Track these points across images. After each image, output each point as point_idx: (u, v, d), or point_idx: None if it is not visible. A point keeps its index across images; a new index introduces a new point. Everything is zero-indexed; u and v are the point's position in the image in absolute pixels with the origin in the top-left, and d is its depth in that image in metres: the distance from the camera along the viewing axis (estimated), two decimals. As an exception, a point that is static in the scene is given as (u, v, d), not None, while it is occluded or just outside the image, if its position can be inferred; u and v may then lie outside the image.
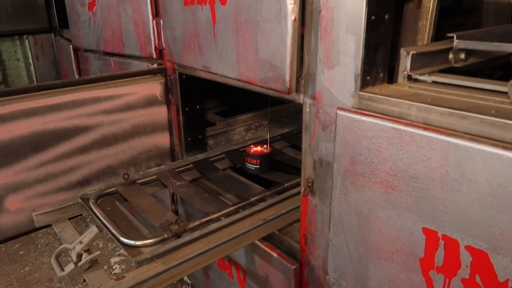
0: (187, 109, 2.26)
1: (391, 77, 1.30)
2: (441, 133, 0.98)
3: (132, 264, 1.36)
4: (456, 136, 0.96)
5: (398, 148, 1.07)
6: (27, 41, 4.55)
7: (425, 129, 1.01)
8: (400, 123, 1.07)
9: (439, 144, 0.98)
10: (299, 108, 1.44)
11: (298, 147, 2.47)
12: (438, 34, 1.51)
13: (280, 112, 2.91)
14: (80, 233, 1.61)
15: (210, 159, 2.20)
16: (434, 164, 1.00)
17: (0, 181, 1.75)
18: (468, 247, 0.98)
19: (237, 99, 2.84)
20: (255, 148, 2.08)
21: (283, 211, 1.67)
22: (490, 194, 0.91)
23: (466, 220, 0.97)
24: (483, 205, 0.93)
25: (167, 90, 2.19)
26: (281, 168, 2.16)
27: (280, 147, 2.48)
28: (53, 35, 4.37)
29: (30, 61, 4.63)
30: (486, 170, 0.91)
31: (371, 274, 1.25)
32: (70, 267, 1.41)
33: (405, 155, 1.06)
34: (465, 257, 0.99)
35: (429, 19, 1.48)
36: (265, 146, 2.12)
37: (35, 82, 4.69)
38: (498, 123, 0.91)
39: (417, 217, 1.07)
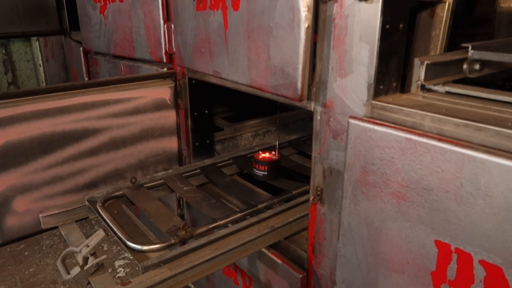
0: (195, 113, 2.26)
1: (403, 86, 1.29)
2: (456, 144, 0.97)
3: (137, 268, 1.35)
4: (472, 148, 0.94)
5: (411, 159, 1.05)
6: (37, 42, 4.58)
7: (440, 140, 1.00)
8: (414, 133, 1.05)
9: (454, 156, 0.97)
10: (307, 114, 1.43)
11: (306, 154, 2.46)
12: (450, 43, 1.50)
13: (288, 118, 2.90)
14: (85, 235, 1.60)
15: (217, 165, 2.19)
16: (448, 176, 0.98)
17: (8, 182, 1.76)
18: (482, 262, 0.96)
19: (245, 104, 2.83)
20: (263, 155, 2.07)
21: (291, 219, 1.65)
22: (506, 208, 0.90)
23: (481, 234, 0.95)
24: (498, 219, 0.91)
25: (176, 94, 2.19)
26: (289, 175, 2.14)
27: (288, 154, 2.47)
28: (63, 37, 4.40)
29: (40, 62, 4.66)
30: (502, 183, 0.89)
31: (381, 286, 1.23)
32: (76, 270, 1.41)
33: (419, 166, 1.04)
34: (479, 272, 0.97)
35: (442, 28, 1.47)
36: (273, 152, 2.11)
37: (44, 84, 4.71)
38: (515, 136, 0.90)
39: (430, 230, 1.05)
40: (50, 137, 1.83)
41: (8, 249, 3.18)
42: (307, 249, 1.56)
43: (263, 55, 1.44)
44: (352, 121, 1.20)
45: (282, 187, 1.97)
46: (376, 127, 1.13)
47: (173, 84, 2.17)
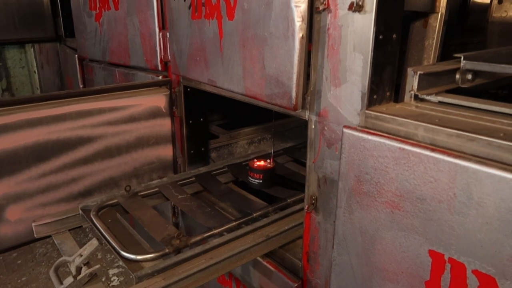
0: (190, 121, 2.26)
1: (396, 95, 1.30)
2: (449, 154, 0.97)
3: (131, 276, 1.34)
4: (464, 158, 0.95)
5: (404, 169, 1.06)
6: (32, 49, 4.57)
7: (433, 150, 1.00)
8: (407, 143, 1.06)
9: (447, 166, 0.97)
10: (302, 122, 1.43)
11: (301, 162, 2.46)
12: (443, 52, 1.52)
13: (283, 126, 2.91)
14: (79, 243, 1.59)
15: (212, 172, 2.19)
16: (442, 186, 0.99)
17: (2, 190, 1.74)
18: (475, 271, 0.96)
19: (240, 112, 2.84)
20: (258, 163, 2.07)
21: (286, 228, 1.65)
22: (498, 218, 0.90)
23: (474, 243, 0.96)
24: (491, 229, 0.92)
25: (171, 102, 2.19)
26: (284, 183, 2.14)
27: (283, 162, 2.47)
28: (58, 44, 4.40)
29: (35, 69, 4.65)
30: (495, 193, 0.90)
31: (375, 295, 1.23)
32: (69, 280, 1.39)
33: (412, 175, 1.05)
34: (472, 282, 0.97)
35: (435, 38, 1.49)
36: (268, 160, 2.11)
37: (39, 91, 4.70)
38: (507, 147, 0.91)
39: (423, 239, 1.06)
40: (44, 146, 1.82)
41: (1, 258, 3.15)
42: (302, 258, 1.56)
43: (258, 64, 1.45)
44: (346, 130, 1.21)
45: (277, 195, 1.97)
46: (370, 137, 1.14)
47: (168, 92, 2.17)
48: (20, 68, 4.64)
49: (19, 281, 2.90)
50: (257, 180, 2.03)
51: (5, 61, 4.53)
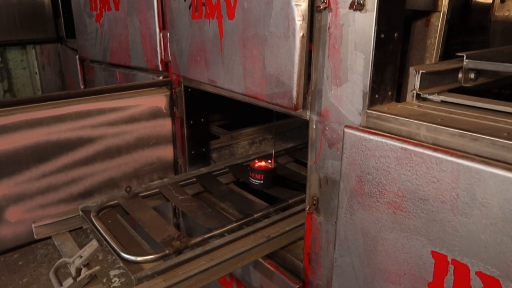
0: (191, 122, 2.25)
1: (398, 95, 1.29)
2: (452, 154, 0.96)
3: (132, 278, 1.33)
4: (467, 158, 0.94)
5: (407, 169, 1.05)
6: (33, 50, 4.57)
7: (435, 150, 0.99)
8: (409, 143, 1.05)
9: (450, 166, 0.96)
10: (303, 122, 1.42)
11: (302, 162, 2.45)
12: (446, 51, 1.51)
13: (285, 126, 2.90)
14: (80, 244, 1.58)
15: (213, 173, 2.18)
16: (444, 186, 0.98)
17: (1, 192, 1.74)
18: (479, 273, 0.95)
19: (241, 112, 2.83)
20: (259, 163, 2.06)
21: (287, 229, 1.64)
22: (503, 219, 0.89)
23: (477, 245, 0.94)
24: (495, 230, 0.91)
25: (172, 102, 2.18)
26: (285, 184, 2.13)
27: (284, 162, 2.46)
28: (60, 45, 4.40)
29: (36, 70, 4.65)
30: (499, 194, 0.88)
31: (377, 297, 1.22)
32: (68, 282, 1.39)
33: (414, 176, 1.03)
34: (476, 283, 0.96)
35: (437, 37, 1.47)
36: (269, 161, 2.10)
37: (40, 91, 4.70)
38: (511, 146, 0.89)
39: (426, 240, 1.04)
40: (44, 146, 1.81)
41: (2, 259, 3.14)
42: (303, 259, 1.55)
43: (258, 64, 1.44)
44: (347, 130, 1.20)
45: (278, 196, 1.95)
46: (372, 137, 1.12)
47: (168, 93, 2.16)
48: (22, 69, 4.65)
49: (20, 282, 2.90)
50: (258, 181, 2.02)
51: (7, 62, 4.54)
